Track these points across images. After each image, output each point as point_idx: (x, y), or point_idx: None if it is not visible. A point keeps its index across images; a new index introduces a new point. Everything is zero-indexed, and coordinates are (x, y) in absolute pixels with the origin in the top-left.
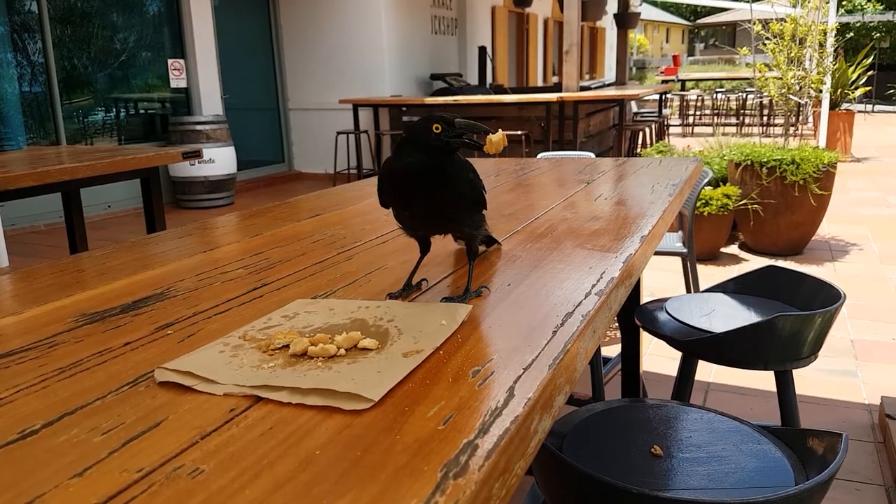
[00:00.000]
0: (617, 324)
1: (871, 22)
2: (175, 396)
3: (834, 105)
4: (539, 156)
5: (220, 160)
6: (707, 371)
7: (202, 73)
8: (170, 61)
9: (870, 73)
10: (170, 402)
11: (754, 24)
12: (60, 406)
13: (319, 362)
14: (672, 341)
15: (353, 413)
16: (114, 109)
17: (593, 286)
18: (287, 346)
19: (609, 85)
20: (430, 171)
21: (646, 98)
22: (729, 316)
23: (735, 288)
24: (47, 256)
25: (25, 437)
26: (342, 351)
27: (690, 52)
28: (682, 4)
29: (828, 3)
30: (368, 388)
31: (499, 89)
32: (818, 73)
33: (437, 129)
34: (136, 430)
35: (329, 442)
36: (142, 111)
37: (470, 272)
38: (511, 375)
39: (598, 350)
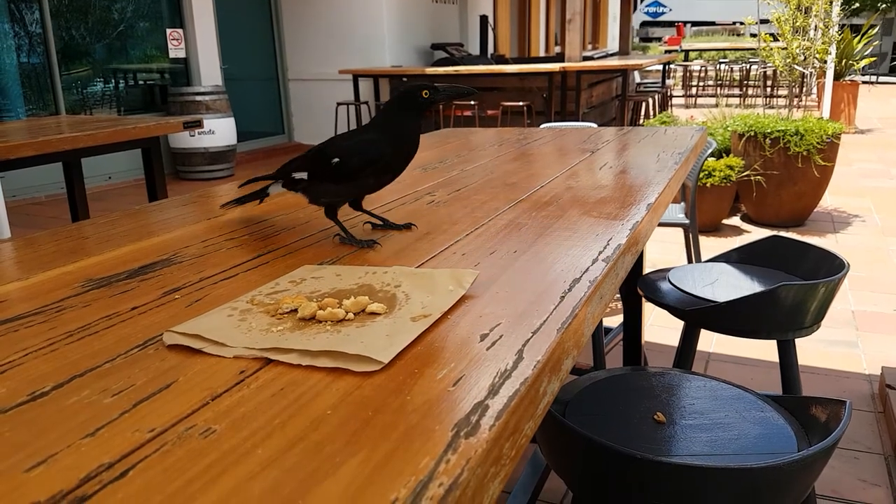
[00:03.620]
0: (619, 294)
1: None
2: (184, 359)
3: (838, 76)
4: (541, 126)
5: (219, 131)
6: (708, 341)
7: (201, 43)
8: (168, 31)
9: (875, 43)
10: (179, 365)
11: None
12: (70, 368)
13: (328, 326)
14: (675, 310)
15: (362, 375)
16: (113, 80)
17: (600, 253)
18: (295, 311)
19: (612, 55)
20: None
21: (649, 68)
22: (732, 285)
23: (738, 258)
24: (49, 227)
25: (36, 398)
26: (350, 315)
27: (694, 22)
28: None
29: None
30: (378, 350)
31: (500, 59)
32: (823, 44)
33: (426, 94)
34: (147, 391)
35: (340, 403)
36: (141, 82)
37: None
38: (520, 339)
39: (600, 320)
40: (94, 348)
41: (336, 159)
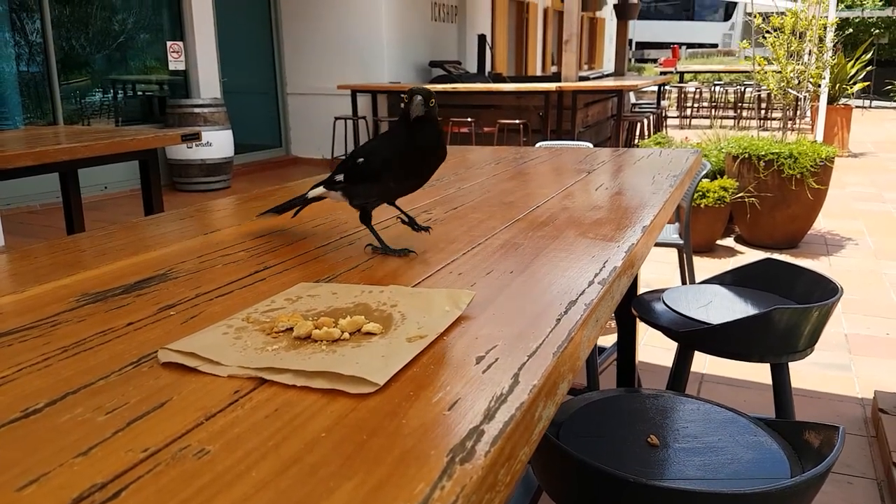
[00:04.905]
0: (613, 314)
1: (870, 17)
2: (179, 377)
3: (832, 100)
4: (537, 145)
5: (217, 143)
6: (701, 363)
7: (201, 56)
8: (168, 43)
9: (868, 68)
10: (174, 383)
11: (755, 17)
12: (64, 385)
13: (324, 346)
14: (669, 332)
15: (358, 397)
16: (112, 91)
17: (596, 275)
18: (291, 329)
19: (608, 76)
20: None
21: (644, 89)
22: (726, 308)
23: (732, 280)
24: (44, 237)
25: (28, 415)
26: (346, 335)
27: (689, 45)
28: None
29: None
30: (373, 372)
31: (497, 78)
32: (817, 68)
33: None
34: (141, 409)
35: (335, 425)
36: (140, 93)
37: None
38: (516, 362)
39: None
40: (89, 364)
41: (360, 159)
